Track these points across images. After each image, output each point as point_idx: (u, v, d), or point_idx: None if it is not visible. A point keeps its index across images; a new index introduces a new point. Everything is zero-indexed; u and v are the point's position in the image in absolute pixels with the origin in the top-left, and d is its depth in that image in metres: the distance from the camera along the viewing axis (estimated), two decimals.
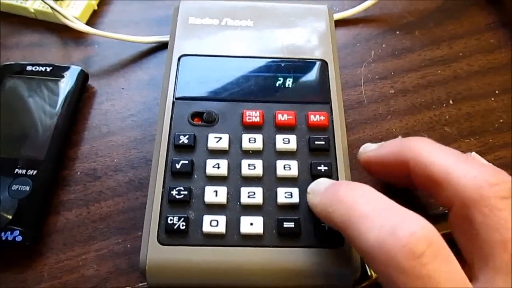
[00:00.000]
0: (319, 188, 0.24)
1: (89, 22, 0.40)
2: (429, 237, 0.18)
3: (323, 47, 0.33)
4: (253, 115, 0.29)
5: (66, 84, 0.34)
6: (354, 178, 0.29)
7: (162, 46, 0.38)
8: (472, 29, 0.40)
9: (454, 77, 0.37)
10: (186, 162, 0.27)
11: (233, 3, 0.35)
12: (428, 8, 0.42)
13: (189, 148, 0.28)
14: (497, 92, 0.36)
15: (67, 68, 0.35)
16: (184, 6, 0.34)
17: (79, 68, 0.35)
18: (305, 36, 0.33)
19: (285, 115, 0.29)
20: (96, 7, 0.40)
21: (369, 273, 0.27)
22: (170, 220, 0.25)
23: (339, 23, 0.40)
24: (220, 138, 0.28)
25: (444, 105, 0.36)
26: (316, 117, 0.29)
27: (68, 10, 0.38)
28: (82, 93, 0.35)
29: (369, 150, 0.26)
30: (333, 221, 0.21)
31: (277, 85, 0.31)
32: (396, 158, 0.23)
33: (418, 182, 0.23)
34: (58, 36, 0.39)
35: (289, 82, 0.31)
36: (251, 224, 0.25)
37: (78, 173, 0.32)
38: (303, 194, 0.26)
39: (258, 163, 0.27)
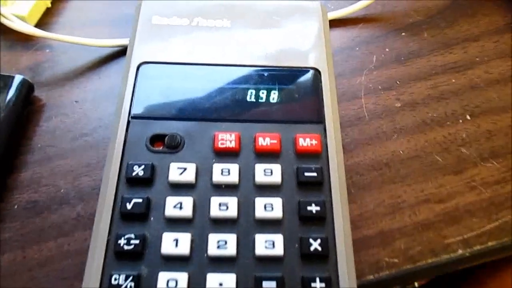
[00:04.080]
0: None
1: (42, 22, 0.34)
2: None
3: (315, 53, 0.27)
4: (227, 138, 0.23)
5: (4, 96, 0.28)
6: (352, 215, 0.24)
7: (126, 51, 0.32)
8: (489, 29, 0.34)
9: (470, 87, 0.31)
10: (140, 201, 0.21)
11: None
12: (437, 5, 0.36)
13: (145, 182, 0.22)
14: None
15: (6, 78, 0.29)
16: (148, 3, 0.28)
17: (21, 77, 0.29)
18: (294, 40, 0.27)
19: (267, 139, 0.23)
20: (49, 5, 0.34)
21: None
22: (115, 279, 0.20)
23: (335, 24, 0.34)
24: (185, 168, 0.22)
25: (460, 121, 0.30)
26: (306, 141, 0.23)
27: (13, 8, 0.32)
28: (25, 107, 0.29)
29: None
30: None
31: (258, 100, 0.25)
32: None
33: None
34: (2, 39, 0.33)
35: (273, 96, 0.25)
36: (221, 284, 0.20)
37: (16, 207, 0.26)
38: (288, 243, 0.21)
39: (232, 202, 0.22)
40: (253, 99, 0.25)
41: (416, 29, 0.34)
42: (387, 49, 0.33)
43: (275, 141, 0.23)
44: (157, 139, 0.23)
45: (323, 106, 0.25)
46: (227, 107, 0.25)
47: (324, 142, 0.24)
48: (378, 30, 0.34)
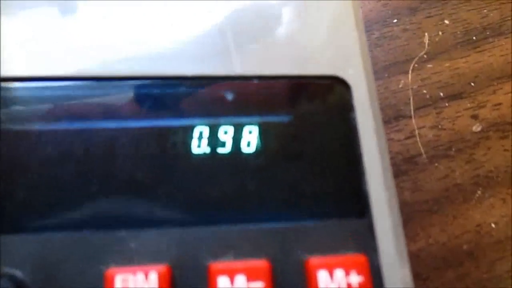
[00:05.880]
0: None
1: None
2: None
3: (335, 46, 0.13)
4: (138, 285, 0.09)
5: None
6: None
7: None
8: None
9: None
10: None
11: None
12: None
13: None
14: None
15: None
16: None
17: None
18: (292, 22, 0.13)
19: (241, 280, 0.09)
20: None
21: None
22: None
23: None
24: None
25: None
26: (336, 278, 0.10)
27: None
28: None
29: None
30: None
31: (215, 150, 0.11)
32: None
33: None
34: None
35: (248, 140, 0.11)
36: None
37: None
38: None
39: None
40: (204, 150, 0.11)
41: None
42: (446, 21, 0.19)
43: (259, 285, 0.09)
44: None
45: (362, 170, 0.11)
46: (145, 187, 0.11)
47: (376, 271, 0.10)
48: None
